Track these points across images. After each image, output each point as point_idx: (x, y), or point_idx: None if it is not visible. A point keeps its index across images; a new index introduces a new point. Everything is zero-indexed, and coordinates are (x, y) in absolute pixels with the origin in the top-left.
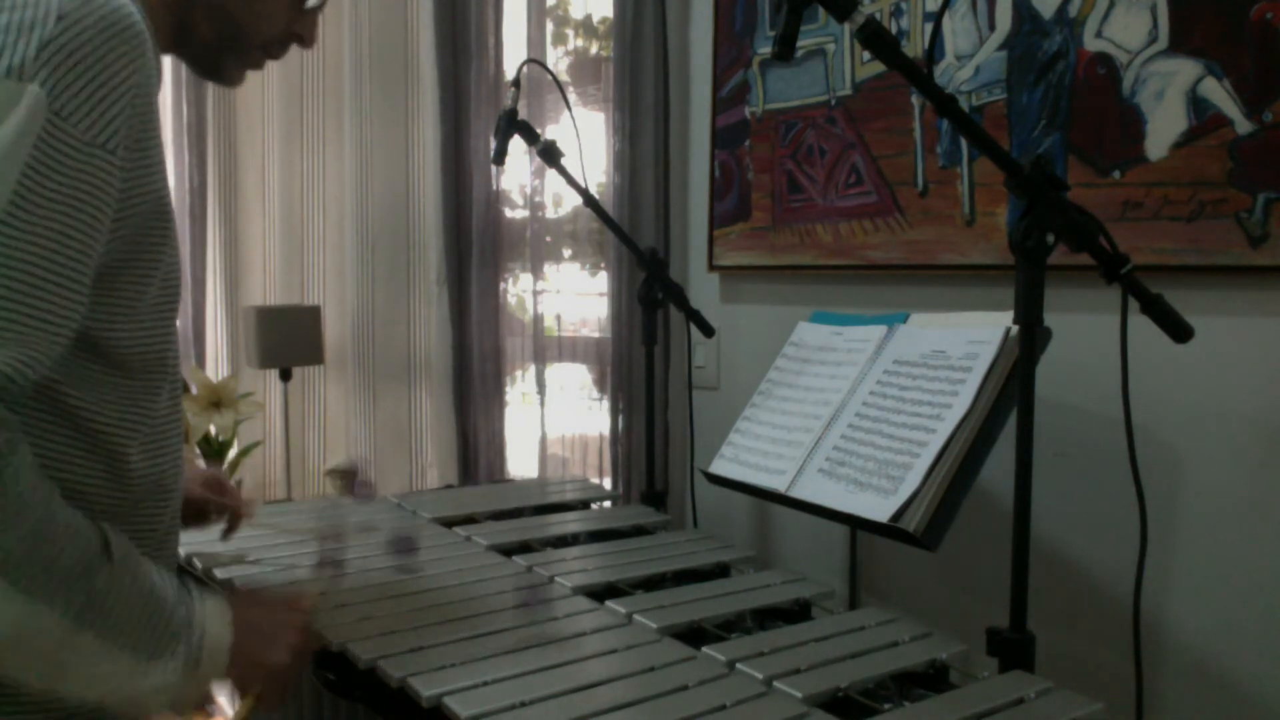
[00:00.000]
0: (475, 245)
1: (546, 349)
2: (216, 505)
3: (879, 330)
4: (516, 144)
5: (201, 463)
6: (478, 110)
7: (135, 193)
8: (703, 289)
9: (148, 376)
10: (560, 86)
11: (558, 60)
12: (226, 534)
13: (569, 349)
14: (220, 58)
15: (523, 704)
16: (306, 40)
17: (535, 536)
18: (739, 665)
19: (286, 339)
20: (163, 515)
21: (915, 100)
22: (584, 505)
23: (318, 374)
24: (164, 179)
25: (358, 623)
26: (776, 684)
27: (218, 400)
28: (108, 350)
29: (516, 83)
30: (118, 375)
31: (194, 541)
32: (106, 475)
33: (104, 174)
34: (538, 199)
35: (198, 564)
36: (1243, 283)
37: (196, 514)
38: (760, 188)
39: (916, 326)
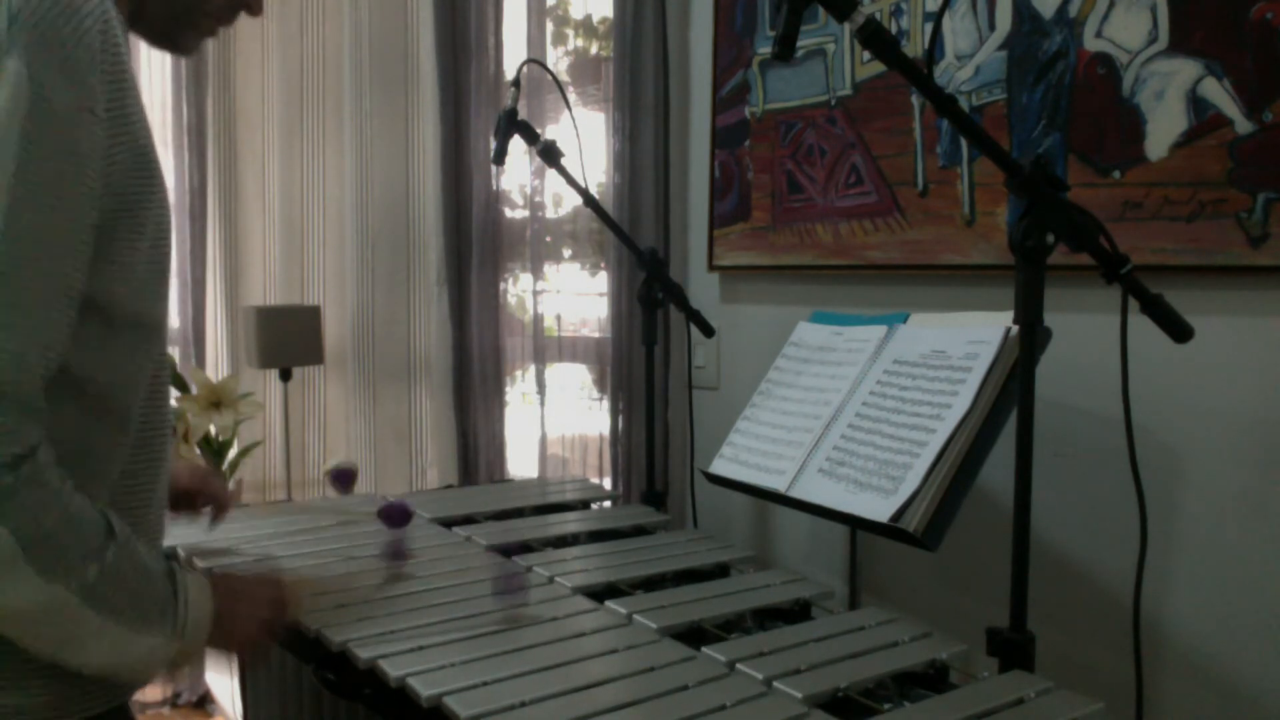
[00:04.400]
0: (475, 245)
1: (546, 349)
2: (204, 495)
3: (879, 330)
4: (516, 144)
5: (202, 463)
6: (478, 110)
7: (116, 146)
8: (703, 289)
9: (142, 333)
10: (560, 86)
11: (558, 60)
12: (213, 522)
13: (569, 349)
14: (175, 29)
15: (523, 704)
16: (254, 9)
17: (535, 536)
18: (739, 665)
19: (286, 339)
20: (157, 475)
21: (915, 100)
22: (584, 505)
23: (318, 374)
24: (145, 129)
25: (358, 623)
26: (776, 684)
27: (218, 400)
28: (108, 314)
29: (516, 83)
30: (119, 336)
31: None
32: (108, 435)
33: (92, 138)
34: (538, 199)
35: (181, 553)
36: (1243, 283)
37: (185, 501)
38: (760, 188)
39: (916, 326)
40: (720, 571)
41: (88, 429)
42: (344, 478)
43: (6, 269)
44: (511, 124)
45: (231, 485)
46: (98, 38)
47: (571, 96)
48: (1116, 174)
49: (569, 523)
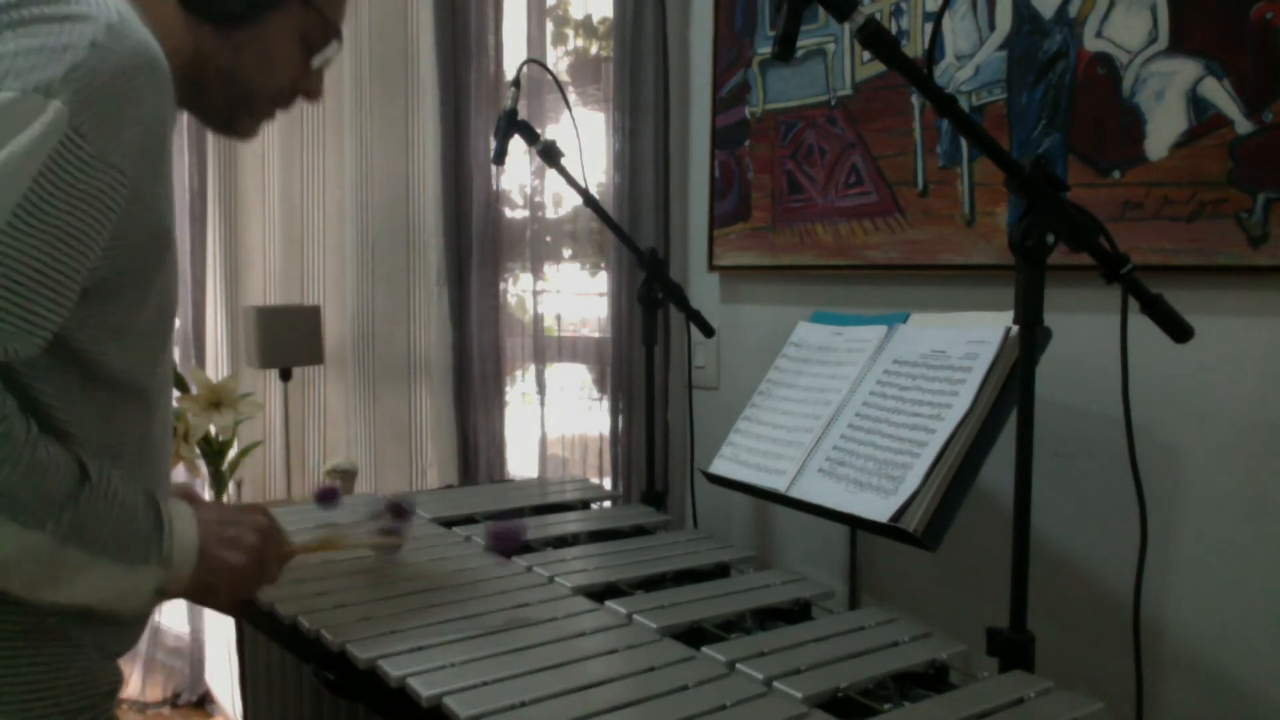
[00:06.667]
0: (475, 245)
1: (546, 349)
2: None
3: (879, 330)
4: (516, 144)
5: (202, 463)
6: (478, 110)
7: (139, 218)
8: (703, 289)
9: (130, 399)
10: (560, 86)
11: (558, 60)
12: None
13: (569, 349)
14: (233, 115)
15: (523, 704)
16: (313, 95)
17: (535, 536)
18: (739, 665)
19: (286, 339)
20: None
21: (915, 100)
22: (584, 505)
23: (318, 374)
24: (171, 213)
25: (358, 623)
26: (776, 684)
27: (218, 400)
28: (92, 368)
29: (516, 83)
30: (100, 394)
31: None
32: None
33: (110, 191)
34: (538, 199)
35: None
36: (1243, 283)
37: None
38: (760, 188)
39: (916, 326)
40: (720, 571)
41: None
42: (328, 495)
43: None
44: (511, 124)
45: (232, 486)
46: (149, 105)
47: (571, 96)
48: (1116, 174)
49: (569, 523)
